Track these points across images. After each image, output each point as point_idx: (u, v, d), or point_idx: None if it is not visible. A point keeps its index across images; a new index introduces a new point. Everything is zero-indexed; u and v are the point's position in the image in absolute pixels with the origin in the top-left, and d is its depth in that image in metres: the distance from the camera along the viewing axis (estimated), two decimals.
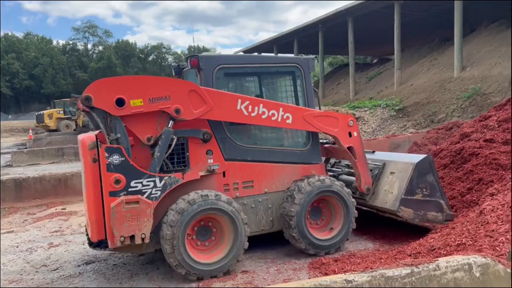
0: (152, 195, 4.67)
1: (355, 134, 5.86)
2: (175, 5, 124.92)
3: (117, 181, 4.51)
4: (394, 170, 6.05)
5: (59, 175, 10.18)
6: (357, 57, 36.06)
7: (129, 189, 4.57)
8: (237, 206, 5.05)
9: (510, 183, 5.66)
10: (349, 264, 5.03)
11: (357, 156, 5.89)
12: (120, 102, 4.57)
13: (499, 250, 4.00)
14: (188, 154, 5.06)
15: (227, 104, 5.09)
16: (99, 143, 4.65)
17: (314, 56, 6.22)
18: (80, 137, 5.17)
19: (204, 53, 5.38)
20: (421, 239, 5.21)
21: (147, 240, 4.62)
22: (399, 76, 22.03)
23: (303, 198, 5.36)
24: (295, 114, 5.45)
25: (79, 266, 5.66)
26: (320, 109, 6.18)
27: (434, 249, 4.76)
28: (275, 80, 6.10)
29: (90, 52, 77.08)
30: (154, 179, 4.70)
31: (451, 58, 19.42)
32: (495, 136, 7.42)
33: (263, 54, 6.15)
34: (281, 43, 32.84)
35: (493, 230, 4.36)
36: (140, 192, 4.61)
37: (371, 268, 4.46)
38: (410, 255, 4.83)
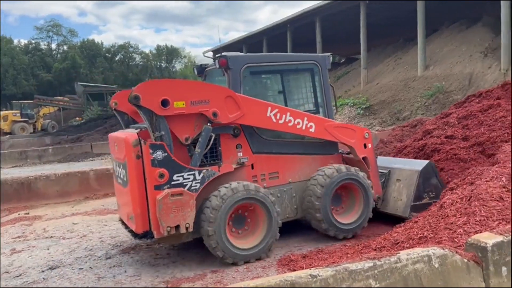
0: (192, 187, 5.01)
1: (369, 145, 6.30)
2: (143, 4, 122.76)
3: (161, 175, 4.83)
4: (400, 178, 6.43)
5: (22, 179, 9.86)
6: None
7: (172, 183, 4.90)
8: (272, 198, 5.46)
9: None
10: (317, 260, 5.12)
11: (370, 166, 6.31)
12: (165, 103, 4.87)
13: (457, 241, 4.18)
14: (220, 148, 5.41)
15: (258, 111, 5.46)
16: (141, 140, 4.96)
17: (330, 53, 6.53)
18: (118, 135, 5.50)
19: (231, 53, 5.66)
20: (386, 234, 5.36)
21: (191, 229, 4.95)
22: (366, 75, 22.52)
23: (329, 183, 5.76)
24: (317, 124, 5.88)
25: (43, 271, 5.51)
26: (336, 103, 6.64)
27: (398, 243, 4.91)
28: (295, 77, 6.42)
29: (54, 52, 74.69)
30: (193, 172, 5.04)
31: (415, 58, 20.02)
32: (455, 132, 7.72)
33: (284, 53, 6.61)
34: (251, 42, 32.93)
35: (452, 223, 4.54)
36: (182, 185, 4.94)
37: (337, 263, 4.60)
38: (375, 249, 4.97)
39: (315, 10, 24.45)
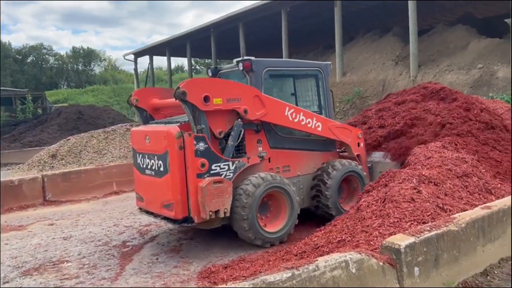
0: (227, 176, 5.59)
1: (361, 144, 7.21)
2: (58, 3, 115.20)
3: (203, 165, 5.35)
4: (382, 170, 6.98)
5: None
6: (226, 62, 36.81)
7: (211, 172, 5.44)
8: (293, 187, 6.14)
9: None
10: (238, 270, 4.95)
11: (362, 163, 7.14)
12: (206, 99, 5.38)
13: (373, 244, 4.25)
14: (245, 143, 5.94)
15: (278, 110, 6.13)
16: (184, 132, 5.39)
17: (329, 62, 7.38)
18: (152, 129, 6.01)
19: (253, 58, 6.22)
20: (306, 238, 5.34)
21: (228, 214, 5.50)
22: None
23: (337, 174, 6.54)
24: (323, 124, 6.67)
25: None
26: (334, 106, 7.37)
27: (318, 247, 4.90)
28: (304, 81, 7.18)
29: None
30: (228, 163, 5.63)
31: (334, 64, 20.85)
32: (373, 123, 8.13)
33: (296, 60, 7.18)
34: (174, 45, 32.19)
35: (368, 225, 4.63)
36: (219, 174, 5.50)
37: (260, 272, 4.46)
38: (296, 255, 4.92)
39: (238, 15, 24.54)
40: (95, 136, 16.92)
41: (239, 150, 5.89)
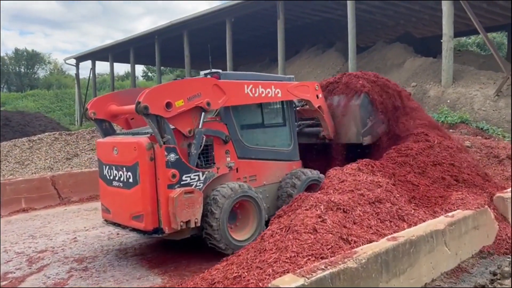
0: (197, 187, 5.64)
1: (320, 95, 7.58)
2: (3, 3, 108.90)
3: (173, 176, 5.38)
4: (345, 113, 7.63)
5: None
6: (195, 71, 36.12)
7: (182, 182, 5.48)
8: (260, 195, 6.24)
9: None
10: None
11: (324, 112, 7.59)
12: (168, 105, 5.38)
13: (264, 283, 3.78)
14: (214, 154, 5.99)
15: (238, 91, 6.23)
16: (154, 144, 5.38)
17: (292, 76, 7.83)
18: (121, 140, 5.96)
19: (220, 71, 6.42)
20: (206, 271, 4.78)
21: (198, 224, 5.51)
22: None
23: (300, 183, 6.70)
24: (282, 88, 6.87)
25: None
26: (296, 119, 7.56)
27: (214, 283, 4.37)
28: None
29: None
30: (198, 173, 5.69)
31: None
32: None
33: (261, 73, 6.92)
34: (117, 51, 30.91)
35: (264, 260, 4.15)
36: (189, 185, 5.55)
37: None
38: None
39: (183, 23, 23.86)
40: (18, 145, 15.68)
41: (208, 161, 5.94)
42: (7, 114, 22.08)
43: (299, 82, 7.45)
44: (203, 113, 5.77)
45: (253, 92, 6.39)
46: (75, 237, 7.31)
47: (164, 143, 5.38)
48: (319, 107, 7.51)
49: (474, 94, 13.12)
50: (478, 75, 14.10)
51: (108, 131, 6.57)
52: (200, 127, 5.73)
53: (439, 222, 5.04)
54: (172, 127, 5.53)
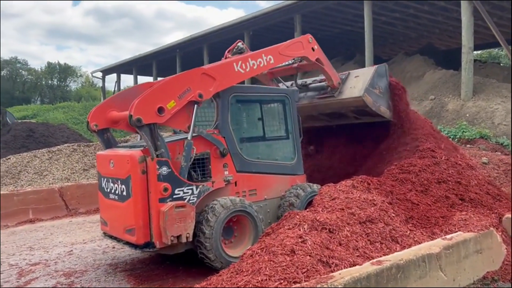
0: (190, 201, 5.50)
1: (316, 47, 7.16)
2: (42, 19, 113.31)
3: (165, 189, 5.27)
4: (359, 74, 7.56)
5: None
6: None
7: (174, 196, 5.35)
8: (256, 209, 6.04)
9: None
10: None
11: (324, 63, 7.30)
12: (160, 110, 5.30)
13: None
14: (210, 167, 5.84)
15: (228, 72, 6.01)
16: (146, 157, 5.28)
17: (295, 89, 7.53)
18: (116, 153, 5.91)
19: None
20: None
21: (190, 239, 5.35)
22: None
23: (304, 196, 6.48)
24: (274, 53, 6.57)
25: None
26: (301, 133, 7.08)
27: None
28: (271, 106, 7.09)
29: None
30: (192, 187, 5.55)
31: None
32: None
33: (262, 86, 6.91)
34: (141, 64, 31.60)
35: (236, 283, 3.92)
36: (182, 199, 5.42)
37: None
38: None
39: (204, 36, 24.23)
40: (38, 156, 16.01)
41: (205, 174, 5.83)
42: (31, 125, 22.73)
43: (290, 40, 7.13)
44: (195, 106, 5.62)
45: (244, 67, 6.18)
46: (71, 250, 7.28)
47: (157, 156, 5.29)
48: (317, 59, 7.19)
49: (495, 108, 12.52)
50: (500, 88, 13.48)
51: (109, 143, 6.54)
52: (192, 122, 5.59)
53: (434, 245, 4.68)
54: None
